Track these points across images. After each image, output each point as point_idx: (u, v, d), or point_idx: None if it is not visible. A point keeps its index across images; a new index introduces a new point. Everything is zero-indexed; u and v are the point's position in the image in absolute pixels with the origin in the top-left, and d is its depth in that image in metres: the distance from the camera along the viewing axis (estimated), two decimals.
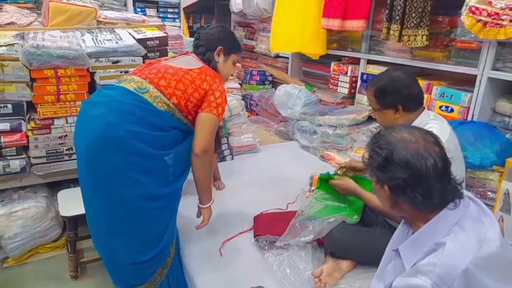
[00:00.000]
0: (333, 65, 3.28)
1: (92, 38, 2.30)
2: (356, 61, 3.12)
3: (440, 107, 2.40)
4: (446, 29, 2.39)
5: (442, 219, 0.97)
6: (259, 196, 2.31)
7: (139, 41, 2.36)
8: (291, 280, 1.58)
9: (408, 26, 2.37)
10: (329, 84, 3.38)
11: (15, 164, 2.15)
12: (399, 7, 2.39)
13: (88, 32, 2.42)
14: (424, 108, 1.68)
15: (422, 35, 2.33)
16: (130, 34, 2.44)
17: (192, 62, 1.69)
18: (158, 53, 2.45)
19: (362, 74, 3.01)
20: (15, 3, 3.60)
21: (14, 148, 2.14)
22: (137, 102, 1.50)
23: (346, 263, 1.65)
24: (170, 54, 2.62)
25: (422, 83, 2.51)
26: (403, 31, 2.40)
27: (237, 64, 3.21)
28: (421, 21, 2.31)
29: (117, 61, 2.27)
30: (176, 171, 1.60)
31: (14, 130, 2.11)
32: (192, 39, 3.27)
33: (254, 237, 1.85)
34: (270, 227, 1.89)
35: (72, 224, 2.07)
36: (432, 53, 2.50)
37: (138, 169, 1.47)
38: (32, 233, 2.22)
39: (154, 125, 1.51)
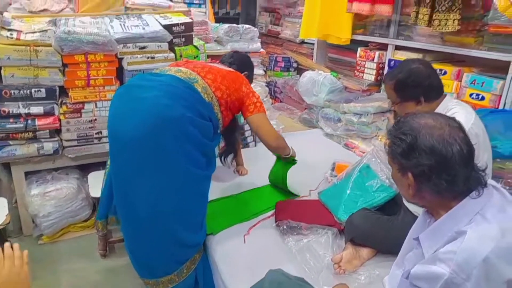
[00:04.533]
0: (359, 51, 3.22)
1: (120, 24, 2.35)
2: (383, 47, 3.04)
3: (471, 95, 2.32)
4: (479, 12, 2.29)
5: (464, 208, 0.95)
6: None
7: (165, 27, 2.39)
8: (310, 265, 1.60)
9: (440, 9, 2.28)
10: (355, 71, 3.32)
11: (49, 146, 2.26)
12: None
13: (116, 18, 2.47)
14: (445, 95, 1.66)
15: (454, 19, 2.24)
16: (156, 20, 2.47)
17: (227, 67, 1.89)
18: (183, 39, 2.48)
19: (390, 60, 2.94)
20: None
21: (48, 131, 2.23)
22: (188, 89, 1.57)
23: (366, 251, 1.65)
24: (195, 40, 2.65)
25: (452, 69, 2.44)
26: (433, 15, 2.31)
27: (261, 50, 3.23)
28: (453, 4, 2.22)
29: (144, 47, 2.31)
30: (210, 160, 1.69)
31: (47, 114, 2.20)
32: (218, 25, 3.30)
33: (276, 222, 1.87)
34: (291, 213, 1.91)
35: None
36: (464, 38, 2.41)
37: (186, 151, 1.53)
38: (64, 212, 2.34)
39: (200, 113, 1.58)
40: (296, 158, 2.08)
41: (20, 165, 2.27)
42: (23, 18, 2.29)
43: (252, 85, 2.74)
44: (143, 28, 2.32)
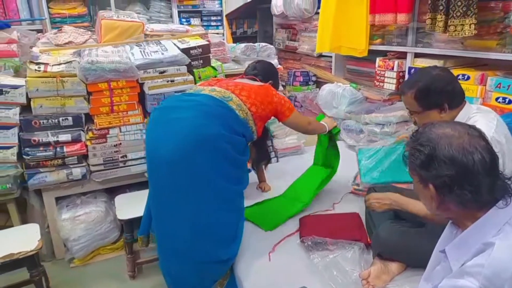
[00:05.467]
0: (378, 61, 3.19)
1: (140, 51, 2.44)
2: (402, 56, 3.01)
3: (497, 98, 2.25)
4: (500, 15, 2.23)
5: (491, 218, 0.92)
6: None
7: (183, 50, 2.46)
8: (337, 281, 1.57)
9: (454, 15, 2.25)
10: (375, 81, 3.29)
11: (77, 171, 2.34)
12: None
13: (136, 45, 2.57)
14: (466, 102, 1.60)
15: (470, 24, 2.20)
16: (174, 44, 2.55)
17: (255, 82, 1.95)
18: (201, 61, 2.54)
19: (410, 68, 2.90)
20: (73, 23, 3.93)
21: (76, 157, 2.32)
22: (221, 108, 1.62)
23: (395, 265, 1.59)
24: (213, 61, 2.71)
25: (476, 74, 2.37)
26: (448, 21, 2.28)
27: (279, 66, 3.25)
28: (468, 10, 2.19)
29: (164, 71, 2.38)
30: (243, 175, 1.76)
31: (74, 141, 2.29)
32: (235, 44, 3.37)
33: (300, 238, 1.85)
34: (315, 228, 1.89)
35: (128, 226, 2.21)
36: (485, 42, 2.35)
37: (222, 168, 1.59)
38: (93, 235, 2.40)
39: (234, 130, 1.63)
40: (337, 126, 2.26)
41: (51, 191, 2.36)
42: (50, 51, 2.42)
43: None
44: (162, 53, 2.40)
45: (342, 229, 1.88)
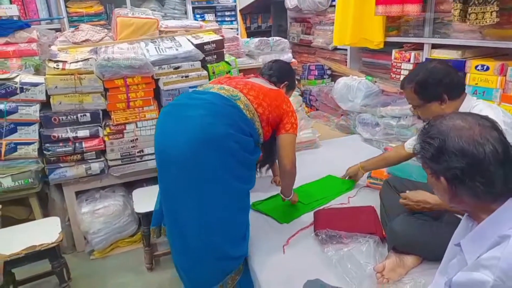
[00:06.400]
0: (394, 53, 3.14)
1: (155, 47, 2.47)
2: (419, 47, 2.95)
3: None
4: None
5: (507, 210, 0.90)
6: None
7: (197, 46, 2.48)
8: (352, 274, 1.56)
9: (475, 2, 2.18)
10: (391, 73, 3.23)
11: (95, 166, 2.40)
12: None
13: (151, 42, 2.60)
14: (466, 93, 1.64)
15: (492, 12, 2.13)
16: (188, 40, 2.57)
17: (268, 84, 1.91)
18: (215, 56, 2.56)
19: (427, 59, 2.84)
20: (90, 22, 4.00)
21: (94, 152, 2.38)
22: (229, 107, 1.62)
23: (411, 259, 1.58)
24: (227, 56, 2.71)
25: (495, 64, 2.31)
26: (469, 9, 2.22)
27: (293, 60, 3.24)
28: None
29: (178, 67, 2.41)
30: (252, 174, 1.75)
31: (93, 136, 2.34)
32: (249, 39, 3.37)
33: (314, 231, 1.85)
34: (330, 221, 1.88)
35: (146, 220, 2.25)
36: (506, 31, 2.28)
37: (231, 167, 1.59)
38: (112, 228, 2.46)
39: (242, 129, 1.62)
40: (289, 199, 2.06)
41: (71, 185, 2.43)
42: (68, 49, 2.47)
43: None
44: (176, 49, 2.42)
45: (357, 223, 1.87)
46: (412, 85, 1.64)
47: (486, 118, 0.95)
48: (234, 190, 1.61)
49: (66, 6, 4.02)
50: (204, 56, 2.47)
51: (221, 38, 2.57)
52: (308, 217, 2.01)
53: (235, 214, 1.64)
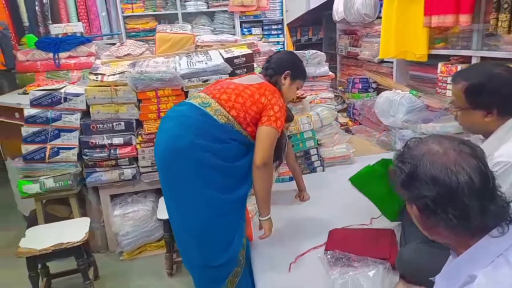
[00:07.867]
0: (440, 66, 2.94)
1: (187, 61, 2.58)
2: (467, 60, 2.73)
3: None
4: None
5: (483, 248, 0.80)
6: (344, 209, 2.21)
7: (226, 60, 2.55)
8: None
9: None
10: (437, 88, 3.03)
11: (128, 172, 2.55)
12: None
13: (185, 56, 2.72)
14: None
15: None
16: (220, 54, 2.65)
17: (253, 79, 1.83)
18: (245, 70, 2.60)
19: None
20: (146, 37, 4.30)
21: (127, 159, 2.54)
22: (200, 116, 1.65)
23: None
24: (258, 69, 2.74)
25: None
26: None
27: (329, 73, 3.16)
28: None
29: (206, 80, 2.49)
30: (237, 182, 1.69)
31: (126, 144, 2.51)
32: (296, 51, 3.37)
33: (324, 251, 1.78)
34: (342, 242, 1.80)
35: (167, 226, 2.34)
36: None
37: (203, 176, 1.60)
38: (140, 232, 2.59)
39: (215, 138, 1.63)
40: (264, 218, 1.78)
41: (106, 189, 2.61)
42: (110, 62, 2.68)
43: (319, 109, 2.74)
44: (206, 63, 2.51)
45: (370, 246, 1.76)
46: (465, 84, 1.40)
47: (466, 143, 0.85)
48: (217, 200, 1.60)
49: (125, 23, 4.36)
50: (232, 69, 2.52)
51: (250, 52, 2.61)
52: (322, 236, 1.94)
53: (220, 222, 1.63)
